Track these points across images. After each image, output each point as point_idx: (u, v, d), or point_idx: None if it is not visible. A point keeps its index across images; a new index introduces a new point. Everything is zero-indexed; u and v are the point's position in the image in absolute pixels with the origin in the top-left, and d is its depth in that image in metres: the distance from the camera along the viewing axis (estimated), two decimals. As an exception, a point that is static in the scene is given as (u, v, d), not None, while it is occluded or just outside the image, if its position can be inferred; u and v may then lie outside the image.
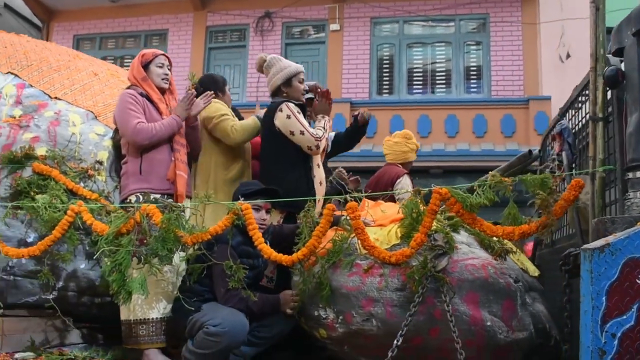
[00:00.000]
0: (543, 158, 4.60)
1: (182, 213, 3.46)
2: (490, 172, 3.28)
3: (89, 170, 3.98)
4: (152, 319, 3.67)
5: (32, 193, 3.75)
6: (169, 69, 4.08)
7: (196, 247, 3.40)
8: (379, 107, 11.61)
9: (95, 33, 13.86)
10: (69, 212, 3.53)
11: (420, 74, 12.59)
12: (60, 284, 3.95)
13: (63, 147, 4.04)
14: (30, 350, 3.70)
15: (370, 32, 12.85)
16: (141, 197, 3.79)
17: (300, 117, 4.03)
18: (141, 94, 3.94)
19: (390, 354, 2.89)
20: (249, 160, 4.48)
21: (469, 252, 3.33)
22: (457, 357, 2.98)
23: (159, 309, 3.66)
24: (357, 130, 4.81)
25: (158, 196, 3.79)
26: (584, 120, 3.76)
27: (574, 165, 3.78)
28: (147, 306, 3.65)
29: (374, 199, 4.09)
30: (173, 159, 3.88)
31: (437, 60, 12.63)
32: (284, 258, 3.32)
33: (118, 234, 3.41)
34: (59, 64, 4.68)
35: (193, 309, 3.39)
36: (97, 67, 4.84)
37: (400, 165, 5.28)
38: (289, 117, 4.00)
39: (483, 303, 3.12)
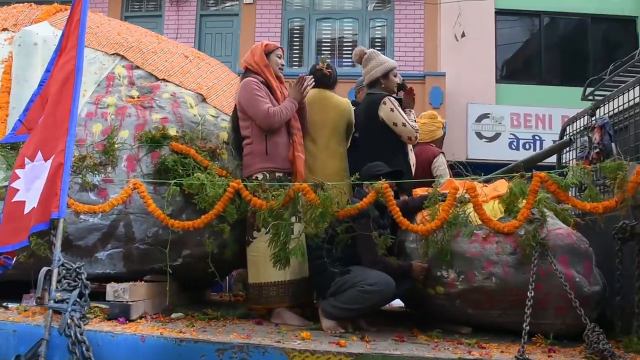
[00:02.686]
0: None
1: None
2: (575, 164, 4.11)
3: (217, 150, 4.38)
4: (282, 281, 4.25)
5: (179, 170, 4.13)
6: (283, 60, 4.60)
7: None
8: (289, 79, 12.31)
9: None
10: (229, 188, 4.01)
11: (329, 48, 13.42)
12: (187, 252, 4.39)
13: (188, 127, 4.40)
14: (180, 311, 4.17)
15: (282, 6, 13.51)
16: (267, 175, 4.32)
17: (401, 110, 4.69)
18: (262, 82, 4.42)
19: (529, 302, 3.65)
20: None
21: (554, 224, 4.17)
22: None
23: (286, 273, 4.23)
24: None
25: (281, 174, 4.35)
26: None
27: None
28: (277, 270, 4.21)
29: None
30: (291, 141, 4.42)
31: (345, 35, 13.46)
32: (419, 228, 4.01)
33: (275, 208, 3.95)
34: (153, 46, 5.00)
35: (337, 271, 4.01)
36: (183, 50, 5.18)
37: (432, 145, 6.04)
38: (392, 110, 4.66)
39: (571, 263, 3.97)
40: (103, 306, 3.94)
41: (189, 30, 13.53)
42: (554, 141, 12.42)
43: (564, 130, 5.64)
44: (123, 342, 3.42)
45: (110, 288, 3.82)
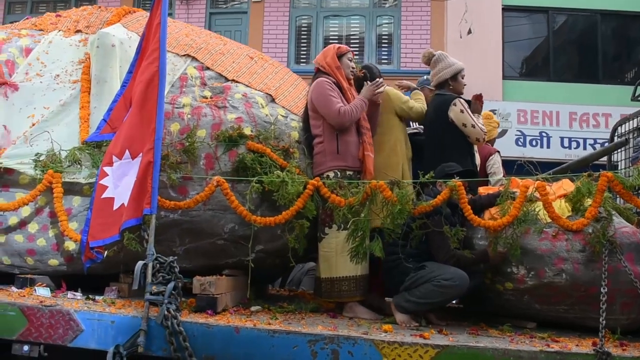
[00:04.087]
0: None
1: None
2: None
3: (290, 149, 4.52)
4: (354, 276, 4.38)
5: (258, 168, 4.27)
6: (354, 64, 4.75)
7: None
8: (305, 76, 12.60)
9: None
10: (309, 186, 4.15)
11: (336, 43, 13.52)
12: (260, 247, 4.52)
13: (261, 127, 4.53)
14: (258, 304, 4.31)
15: (290, 3, 13.67)
16: (339, 173, 4.46)
17: (470, 112, 4.82)
18: (333, 82, 4.56)
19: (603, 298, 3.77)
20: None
21: (620, 222, 4.29)
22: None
23: (357, 268, 4.37)
24: None
25: (351, 173, 4.49)
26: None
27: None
28: (349, 265, 4.35)
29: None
30: (361, 140, 4.56)
31: (352, 32, 13.59)
32: (491, 224, 4.14)
33: (351, 204, 4.09)
34: (220, 48, 5.14)
35: (411, 266, 4.14)
36: (247, 52, 5.32)
37: (488, 144, 6.16)
38: (462, 111, 4.79)
39: (637, 260, 4.10)
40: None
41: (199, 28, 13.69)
42: (562, 138, 12.64)
43: (614, 130, 5.75)
44: (218, 333, 3.56)
45: (197, 281, 3.95)
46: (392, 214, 4.03)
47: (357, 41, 13.42)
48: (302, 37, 13.65)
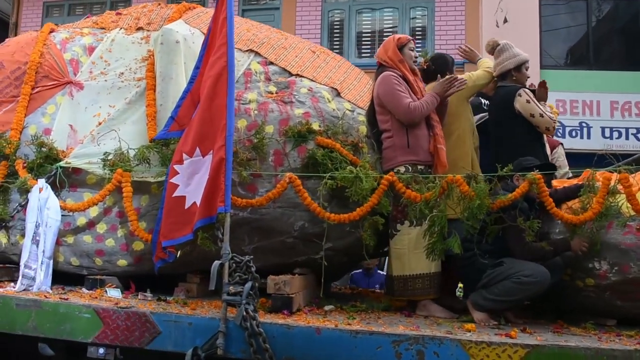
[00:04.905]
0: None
1: None
2: None
3: (359, 143, 4.40)
4: (427, 273, 4.25)
5: (329, 164, 4.16)
6: (417, 53, 4.59)
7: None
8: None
9: (64, 0, 14.13)
10: (383, 181, 4.03)
11: (369, 39, 13.35)
12: (329, 244, 4.41)
13: (329, 121, 4.42)
14: (330, 303, 4.20)
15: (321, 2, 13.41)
16: (410, 167, 4.33)
17: (536, 101, 4.64)
18: (400, 76, 4.43)
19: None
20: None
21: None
22: None
23: (431, 265, 4.24)
24: None
25: (422, 167, 4.35)
26: None
27: None
28: (423, 262, 4.22)
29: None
30: (432, 134, 4.42)
31: (385, 25, 13.35)
32: (573, 218, 3.98)
33: (428, 199, 3.95)
34: (281, 42, 5.04)
35: (487, 263, 4.00)
36: (309, 46, 5.21)
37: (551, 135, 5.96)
38: (528, 101, 4.62)
39: None
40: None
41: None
42: (602, 128, 12.28)
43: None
44: (299, 333, 3.45)
45: (271, 281, 3.86)
46: (470, 208, 3.87)
47: (391, 34, 13.18)
48: (335, 32, 13.49)
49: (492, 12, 12.66)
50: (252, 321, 3.42)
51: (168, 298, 4.17)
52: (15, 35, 13.62)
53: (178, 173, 3.99)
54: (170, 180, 4.00)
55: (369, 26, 13.47)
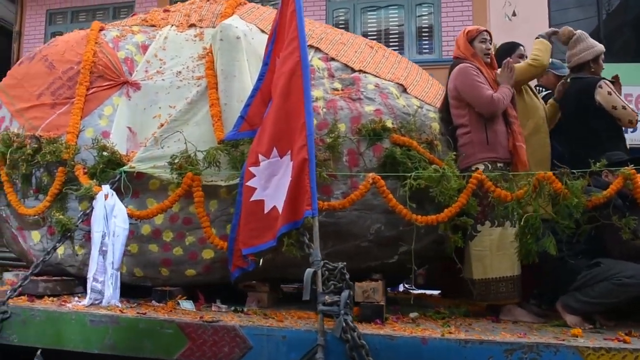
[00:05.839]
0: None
1: None
2: None
3: (434, 141, 4.19)
4: (511, 276, 4.04)
5: (408, 164, 3.94)
6: (490, 44, 4.38)
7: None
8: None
9: (67, 7, 13.93)
10: (472, 179, 3.82)
11: (375, 38, 13.14)
12: (404, 248, 4.19)
13: (401, 119, 4.20)
14: (416, 311, 3.98)
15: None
16: (489, 165, 4.12)
17: (617, 93, 4.45)
18: (477, 68, 4.23)
19: None
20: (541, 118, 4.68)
21: None
22: None
23: (514, 267, 4.03)
24: None
25: (502, 165, 4.15)
26: None
27: None
28: (505, 264, 4.01)
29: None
30: (510, 130, 4.21)
31: (390, 23, 13.18)
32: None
33: (520, 198, 3.75)
34: (339, 37, 4.82)
35: (580, 264, 3.80)
36: (365, 41, 4.99)
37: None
38: (610, 93, 4.42)
39: None
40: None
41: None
42: None
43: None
44: (403, 345, 3.21)
45: (359, 288, 3.63)
46: (565, 207, 3.67)
47: (397, 33, 13.01)
48: (341, 31, 13.31)
49: (500, 7, 12.45)
50: (352, 332, 3.18)
51: (244, 309, 3.92)
52: (19, 44, 13.38)
53: (254, 175, 3.74)
54: (246, 184, 3.76)
55: (375, 25, 13.26)
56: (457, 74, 4.26)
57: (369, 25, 13.03)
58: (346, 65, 4.59)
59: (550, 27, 12.56)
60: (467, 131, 4.23)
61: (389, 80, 4.51)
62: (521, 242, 3.80)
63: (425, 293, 5.58)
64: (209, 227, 3.92)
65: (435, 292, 5.61)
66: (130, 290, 4.11)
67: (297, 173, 3.51)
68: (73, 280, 4.23)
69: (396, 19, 13.09)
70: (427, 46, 12.75)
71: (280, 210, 3.60)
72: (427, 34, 12.80)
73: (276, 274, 4.18)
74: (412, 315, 3.93)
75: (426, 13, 13.09)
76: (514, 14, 12.05)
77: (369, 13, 13.13)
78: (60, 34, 13.86)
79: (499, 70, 4.39)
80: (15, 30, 13.81)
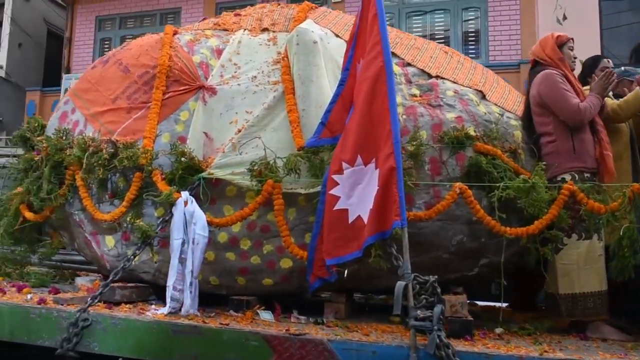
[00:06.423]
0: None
1: None
2: None
3: (517, 150, 4.04)
4: (599, 291, 3.87)
5: (495, 173, 3.80)
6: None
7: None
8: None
9: (115, 14, 14.26)
10: (564, 190, 3.66)
11: None
12: (485, 260, 4.05)
13: (482, 126, 4.07)
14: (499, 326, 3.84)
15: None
16: (576, 175, 3.96)
17: None
18: (563, 75, 4.07)
19: None
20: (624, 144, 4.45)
21: None
22: None
23: (602, 282, 3.85)
24: None
25: (589, 175, 3.99)
26: None
27: None
28: (593, 279, 3.84)
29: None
30: (597, 138, 4.04)
31: (436, 28, 12.95)
32: None
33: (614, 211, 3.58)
34: (412, 42, 4.72)
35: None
36: (439, 46, 4.86)
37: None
38: None
39: None
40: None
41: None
42: None
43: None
44: (501, 363, 3.07)
45: (447, 303, 3.49)
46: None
47: (442, 38, 12.80)
48: (385, 37, 13.16)
49: (549, 10, 12.17)
50: (446, 349, 3.05)
51: (323, 320, 3.81)
52: (70, 49, 13.59)
53: (338, 184, 3.64)
54: (330, 192, 3.65)
55: (420, 29, 13.08)
56: (541, 80, 4.12)
57: (414, 30, 12.86)
58: (423, 71, 4.47)
59: (601, 30, 12.32)
60: (552, 140, 4.08)
61: (467, 87, 4.36)
62: (618, 255, 3.61)
63: (495, 306, 5.41)
64: (289, 236, 3.82)
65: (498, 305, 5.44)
66: (202, 299, 4.02)
67: (384, 182, 3.40)
68: (147, 287, 4.16)
69: (442, 24, 12.93)
70: (473, 51, 12.52)
71: (365, 220, 3.49)
72: (473, 39, 12.61)
73: (356, 285, 4.07)
74: (498, 330, 3.78)
75: (472, 17, 12.89)
76: (564, 18, 11.77)
77: (415, 18, 12.97)
78: (109, 39, 14.23)
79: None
80: (65, 37, 14.18)
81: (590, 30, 12.22)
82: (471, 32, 12.73)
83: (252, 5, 12.62)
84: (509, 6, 12.41)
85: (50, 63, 15.81)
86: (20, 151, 6.94)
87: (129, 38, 13.29)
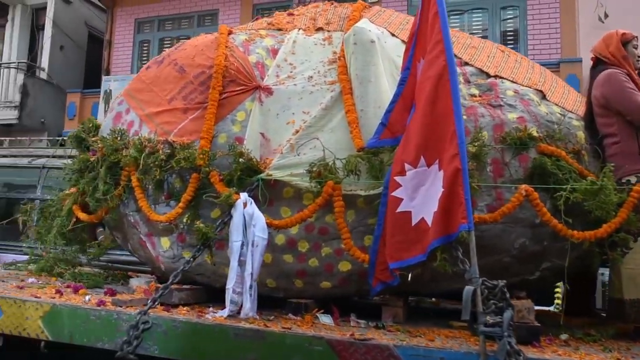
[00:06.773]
0: None
1: None
2: None
3: (581, 151, 3.93)
4: None
5: (560, 175, 3.70)
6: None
7: None
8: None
9: (154, 16, 14.54)
10: (633, 193, 3.56)
11: None
12: (547, 264, 3.95)
13: (545, 127, 3.97)
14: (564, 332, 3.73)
15: (407, 2, 12.86)
16: (642, 178, 3.83)
17: None
18: (626, 74, 3.95)
19: None
20: None
21: None
22: None
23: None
24: None
25: (655, 177, 3.84)
26: None
27: None
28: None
29: None
30: None
31: (474, 27, 12.75)
32: None
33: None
34: (469, 41, 4.63)
35: None
36: (495, 44, 4.76)
37: None
38: None
39: None
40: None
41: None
42: None
43: None
44: (569, 371, 2.97)
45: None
46: None
47: (481, 37, 12.60)
48: (422, 37, 13.02)
49: (590, 8, 11.87)
50: (517, 357, 2.96)
51: (384, 324, 3.75)
52: (110, 51, 13.78)
53: (400, 185, 3.56)
54: (392, 194, 3.58)
55: (458, 29, 12.92)
56: (604, 80, 4.00)
57: (452, 29, 12.70)
58: (481, 70, 4.38)
59: (645, 27, 12.01)
60: (616, 141, 3.97)
61: (527, 86, 4.26)
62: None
63: (549, 310, 5.30)
64: (349, 238, 3.76)
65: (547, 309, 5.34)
66: (258, 301, 3.98)
67: (449, 184, 3.31)
68: (203, 290, 4.13)
69: (480, 23, 12.78)
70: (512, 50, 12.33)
71: (429, 222, 3.41)
72: (512, 38, 12.44)
73: (418, 289, 4.00)
74: (563, 337, 3.68)
75: (511, 17, 12.72)
76: (606, 16, 11.50)
77: (452, 17, 12.83)
78: (148, 42, 14.38)
79: None
80: (105, 39, 14.45)
81: (633, 29, 11.90)
82: (510, 31, 12.57)
83: (288, 6, 12.75)
84: (548, 4, 12.22)
85: (90, 65, 16.06)
86: (59, 152, 7.04)
87: (167, 40, 13.54)
